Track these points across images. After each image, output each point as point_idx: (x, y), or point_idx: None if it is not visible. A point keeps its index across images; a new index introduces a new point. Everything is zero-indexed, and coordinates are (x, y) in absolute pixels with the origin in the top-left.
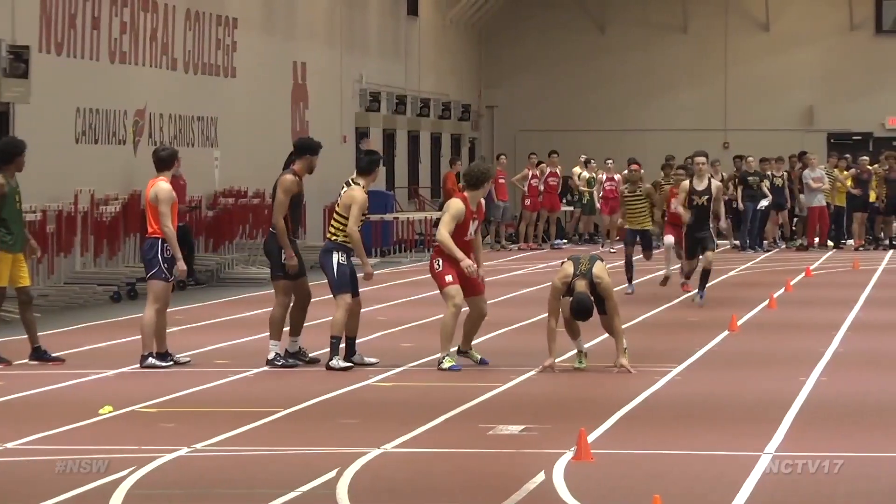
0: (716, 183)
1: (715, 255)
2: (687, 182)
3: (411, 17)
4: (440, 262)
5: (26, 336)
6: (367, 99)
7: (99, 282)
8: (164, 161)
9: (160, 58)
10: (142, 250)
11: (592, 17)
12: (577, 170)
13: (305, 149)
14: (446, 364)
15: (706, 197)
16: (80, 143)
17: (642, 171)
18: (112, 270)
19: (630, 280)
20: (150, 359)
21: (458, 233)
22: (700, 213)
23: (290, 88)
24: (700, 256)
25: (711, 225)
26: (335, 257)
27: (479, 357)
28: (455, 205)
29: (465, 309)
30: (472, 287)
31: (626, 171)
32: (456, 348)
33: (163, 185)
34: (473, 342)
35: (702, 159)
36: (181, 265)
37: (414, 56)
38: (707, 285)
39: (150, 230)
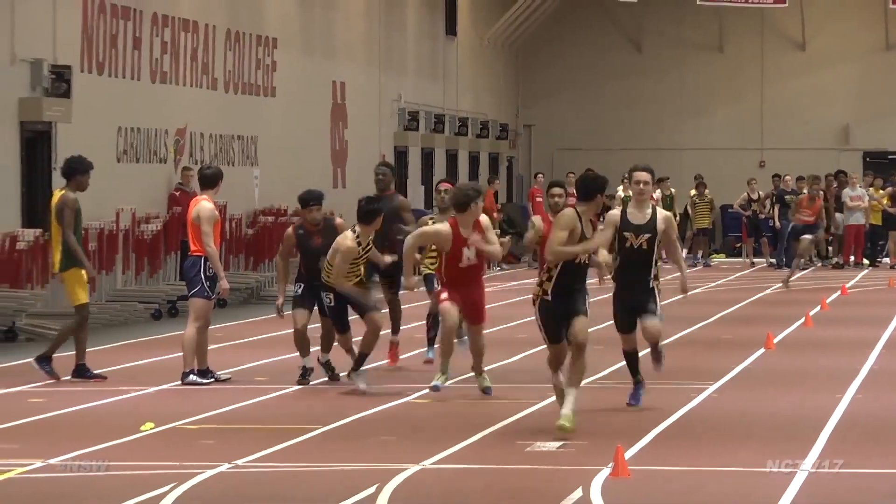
0: (663, 213)
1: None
2: (617, 213)
3: (449, 36)
4: (438, 283)
5: (74, 352)
6: (405, 118)
7: (140, 299)
8: (209, 179)
9: (200, 77)
10: (184, 268)
11: (629, 36)
12: (619, 191)
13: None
14: (433, 381)
15: (647, 236)
16: (122, 162)
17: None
18: (153, 288)
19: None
20: (191, 376)
21: (451, 260)
22: (636, 262)
23: (329, 108)
24: (643, 325)
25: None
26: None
27: (485, 385)
28: (431, 228)
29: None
30: (469, 315)
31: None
32: (445, 369)
33: (205, 205)
34: (487, 367)
35: (644, 176)
36: (224, 283)
37: (452, 75)
38: (663, 361)
39: (192, 248)
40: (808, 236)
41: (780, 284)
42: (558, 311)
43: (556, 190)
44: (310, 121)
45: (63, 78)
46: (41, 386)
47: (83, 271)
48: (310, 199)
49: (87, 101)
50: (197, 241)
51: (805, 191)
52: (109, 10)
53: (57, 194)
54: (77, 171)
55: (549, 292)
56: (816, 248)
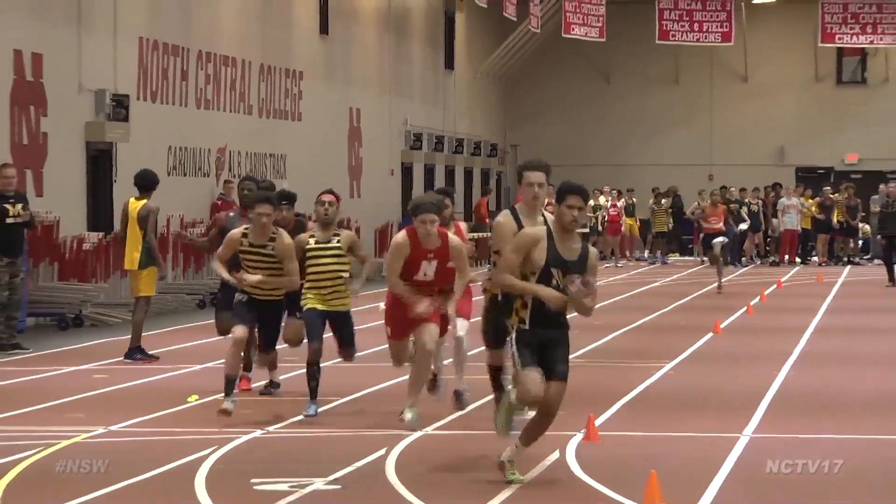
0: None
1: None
2: (512, 224)
3: (448, 70)
4: (384, 311)
5: (130, 336)
6: (411, 139)
7: (187, 291)
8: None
9: (238, 104)
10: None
11: (599, 69)
12: (602, 199)
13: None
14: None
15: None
16: (171, 176)
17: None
18: (198, 282)
19: None
20: None
21: (408, 273)
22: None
23: (347, 130)
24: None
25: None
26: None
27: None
28: (393, 241)
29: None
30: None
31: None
32: (414, 403)
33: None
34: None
35: (539, 176)
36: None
37: (451, 103)
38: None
39: None
40: (719, 240)
41: (715, 286)
42: (534, 342)
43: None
44: (330, 141)
45: (122, 105)
46: (104, 364)
47: (156, 269)
48: (282, 199)
49: (143, 124)
50: None
51: (708, 200)
52: (161, 47)
53: (136, 203)
54: (155, 183)
55: (525, 321)
56: (756, 249)
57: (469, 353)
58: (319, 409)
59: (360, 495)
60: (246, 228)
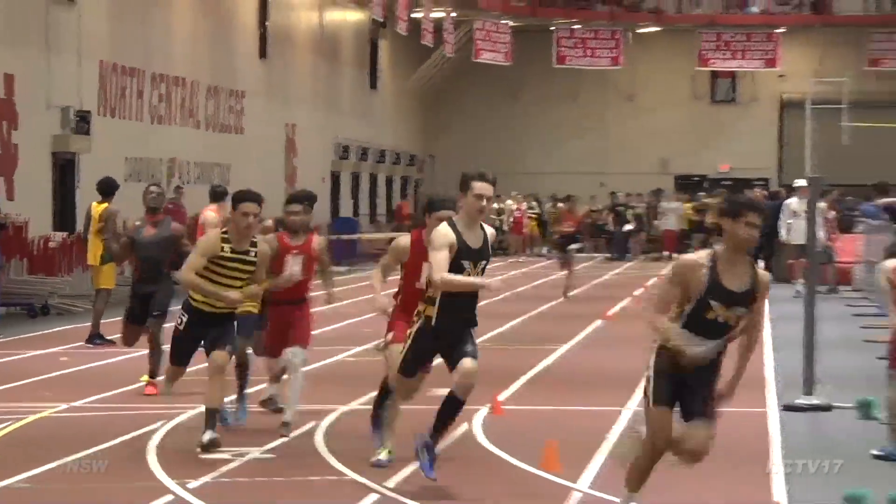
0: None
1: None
2: (448, 233)
3: (373, 89)
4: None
5: (91, 323)
6: (340, 150)
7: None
8: (217, 195)
9: (188, 119)
10: None
11: (506, 89)
12: (508, 202)
13: None
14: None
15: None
16: (128, 183)
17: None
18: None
19: None
20: None
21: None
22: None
23: (284, 142)
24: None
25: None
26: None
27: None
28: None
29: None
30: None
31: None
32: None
33: (209, 213)
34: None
35: (488, 188)
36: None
37: (375, 118)
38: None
39: None
40: (574, 246)
41: (563, 297)
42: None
43: None
44: (269, 152)
45: (85, 120)
46: (68, 348)
47: (115, 264)
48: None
49: (103, 137)
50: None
51: (560, 205)
52: (120, 69)
53: (98, 206)
54: (115, 189)
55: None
56: (640, 247)
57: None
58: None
59: (292, 463)
60: (225, 231)
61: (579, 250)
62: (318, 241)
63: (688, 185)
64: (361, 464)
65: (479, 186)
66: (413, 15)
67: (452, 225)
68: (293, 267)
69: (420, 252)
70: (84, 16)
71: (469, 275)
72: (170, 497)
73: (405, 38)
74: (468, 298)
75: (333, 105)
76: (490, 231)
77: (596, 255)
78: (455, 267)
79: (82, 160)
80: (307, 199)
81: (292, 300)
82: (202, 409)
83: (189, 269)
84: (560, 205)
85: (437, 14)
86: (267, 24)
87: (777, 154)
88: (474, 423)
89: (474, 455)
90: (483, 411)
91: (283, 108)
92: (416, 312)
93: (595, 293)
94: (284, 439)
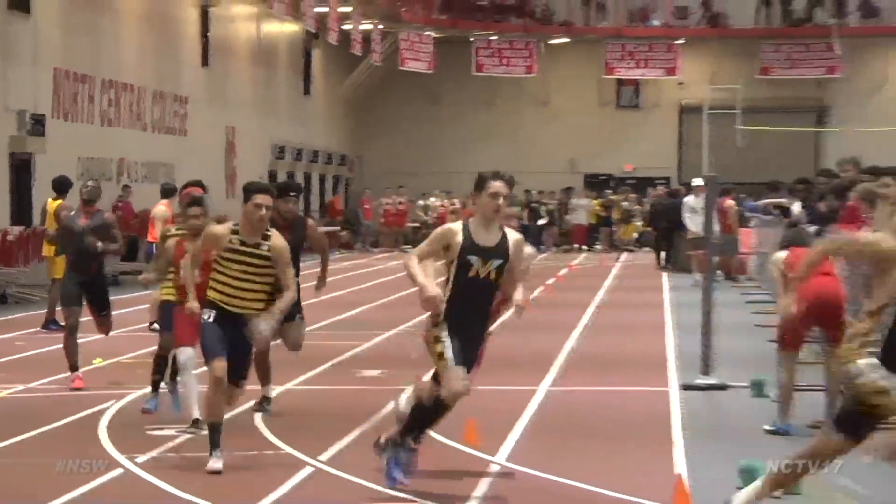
0: (515, 235)
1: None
2: (451, 229)
3: (307, 95)
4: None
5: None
6: (276, 151)
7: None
8: (167, 192)
9: (135, 122)
10: (147, 253)
11: (429, 94)
12: (433, 200)
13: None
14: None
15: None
16: (81, 181)
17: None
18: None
19: None
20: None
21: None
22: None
23: (225, 144)
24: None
25: None
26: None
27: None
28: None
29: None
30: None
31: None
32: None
33: (160, 208)
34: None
35: (504, 188)
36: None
37: (309, 121)
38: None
39: (150, 236)
40: None
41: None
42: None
43: None
44: (211, 153)
45: (40, 123)
46: (24, 333)
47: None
48: (289, 189)
49: (57, 138)
50: (153, 229)
51: (435, 199)
52: (72, 76)
53: (53, 203)
54: (69, 186)
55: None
56: (554, 242)
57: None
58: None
59: (234, 439)
60: (235, 224)
61: None
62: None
63: (595, 183)
64: (297, 438)
65: (495, 185)
66: (343, 27)
67: (465, 223)
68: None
69: None
70: (39, 26)
71: (477, 272)
72: (120, 471)
73: (336, 48)
74: (480, 295)
75: (270, 109)
76: (514, 237)
77: None
78: (461, 262)
79: (38, 160)
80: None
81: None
82: (148, 389)
83: (188, 258)
84: (433, 199)
85: (366, 26)
86: (208, 34)
87: (677, 155)
88: (400, 401)
89: None
90: (408, 391)
91: (224, 112)
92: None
93: None
94: (226, 416)
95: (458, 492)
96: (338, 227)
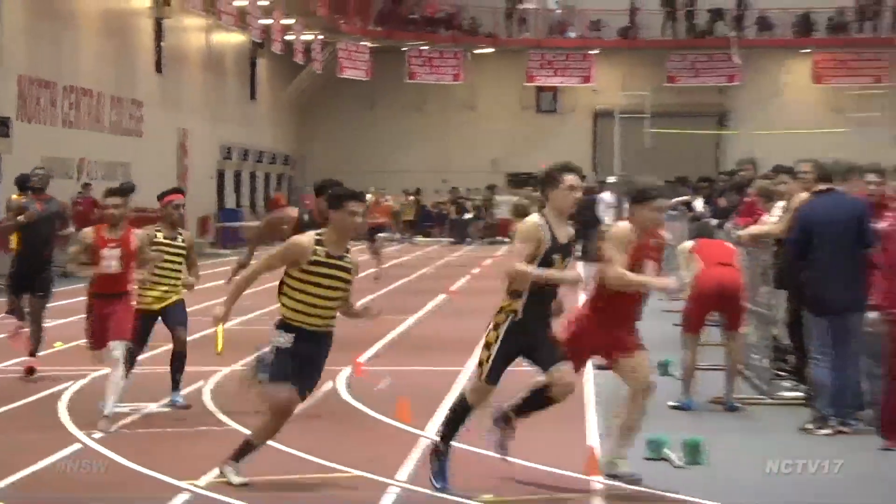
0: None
1: None
2: (540, 226)
3: (253, 100)
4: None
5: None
6: (225, 151)
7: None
8: (123, 191)
9: (94, 125)
10: None
11: (366, 99)
12: (368, 196)
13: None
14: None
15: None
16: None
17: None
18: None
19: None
20: None
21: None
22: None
23: (177, 145)
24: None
25: None
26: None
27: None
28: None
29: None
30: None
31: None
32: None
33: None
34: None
35: (576, 179)
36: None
37: (255, 124)
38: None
39: None
40: (381, 234)
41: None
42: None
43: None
44: (164, 153)
45: (6, 125)
46: None
47: None
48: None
49: (22, 140)
50: None
51: (371, 196)
52: (36, 82)
53: (17, 198)
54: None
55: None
56: (479, 235)
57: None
58: (159, 350)
59: (184, 416)
60: (318, 234)
61: (387, 239)
62: (137, 235)
63: (517, 181)
64: (242, 416)
65: (570, 179)
66: (286, 38)
67: (545, 220)
68: (110, 261)
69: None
70: (5, 36)
71: (557, 269)
72: (78, 446)
73: (280, 57)
74: (552, 292)
75: (219, 113)
76: (570, 230)
77: (441, 239)
78: (545, 260)
79: (4, 160)
80: (125, 191)
81: (111, 293)
82: (106, 371)
83: (261, 265)
84: (369, 196)
85: (307, 37)
86: (162, 44)
87: (591, 155)
88: (338, 382)
89: (338, 409)
90: (345, 372)
91: (177, 115)
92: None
93: (440, 272)
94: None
95: (391, 462)
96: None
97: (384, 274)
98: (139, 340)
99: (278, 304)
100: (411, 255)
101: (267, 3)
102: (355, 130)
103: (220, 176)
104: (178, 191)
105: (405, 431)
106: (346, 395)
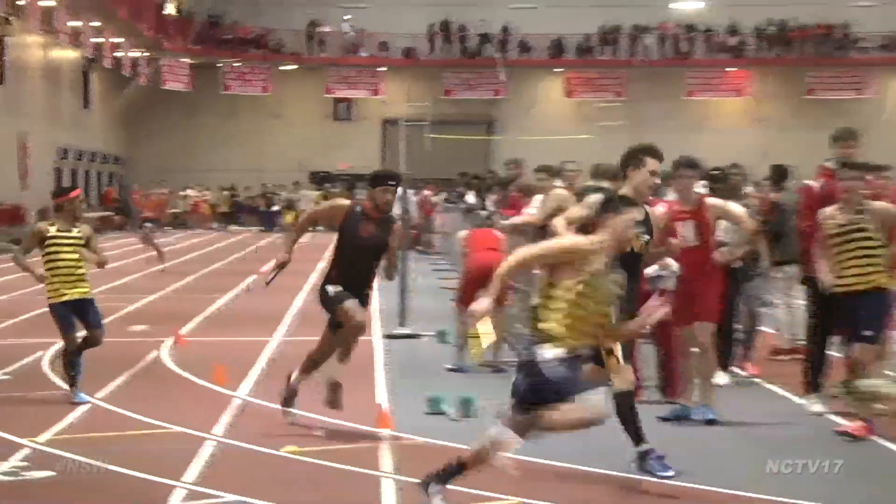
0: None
1: None
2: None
3: (87, 109)
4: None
5: None
6: (61, 153)
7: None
8: None
9: None
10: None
11: (190, 107)
12: (189, 192)
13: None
14: None
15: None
16: None
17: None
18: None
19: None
20: None
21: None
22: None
23: (17, 147)
24: None
25: None
26: None
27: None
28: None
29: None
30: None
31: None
32: None
33: None
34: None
35: (658, 164)
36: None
37: (89, 129)
38: None
39: None
40: (148, 225)
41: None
42: None
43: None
44: (7, 154)
45: None
46: None
47: None
48: (387, 178)
49: None
50: None
51: (191, 192)
52: None
53: None
54: None
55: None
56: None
57: None
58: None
59: (26, 383)
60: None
61: (151, 230)
62: None
63: (318, 178)
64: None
65: (653, 163)
66: (116, 54)
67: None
68: None
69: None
70: None
71: (634, 247)
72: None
73: (111, 71)
74: (631, 268)
75: (56, 119)
76: (652, 210)
77: (252, 228)
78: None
79: None
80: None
81: None
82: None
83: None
84: (189, 192)
85: (134, 53)
86: (5, 58)
87: (381, 156)
88: (162, 351)
89: (162, 375)
90: (169, 342)
91: (17, 121)
92: None
93: (251, 256)
94: (20, 363)
95: (208, 419)
96: (112, 213)
97: (156, 259)
98: (66, 330)
99: None
100: (226, 241)
101: (98, 24)
102: (178, 135)
103: (59, 173)
104: (76, 187)
105: (220, 393)
106: (169, 363)
